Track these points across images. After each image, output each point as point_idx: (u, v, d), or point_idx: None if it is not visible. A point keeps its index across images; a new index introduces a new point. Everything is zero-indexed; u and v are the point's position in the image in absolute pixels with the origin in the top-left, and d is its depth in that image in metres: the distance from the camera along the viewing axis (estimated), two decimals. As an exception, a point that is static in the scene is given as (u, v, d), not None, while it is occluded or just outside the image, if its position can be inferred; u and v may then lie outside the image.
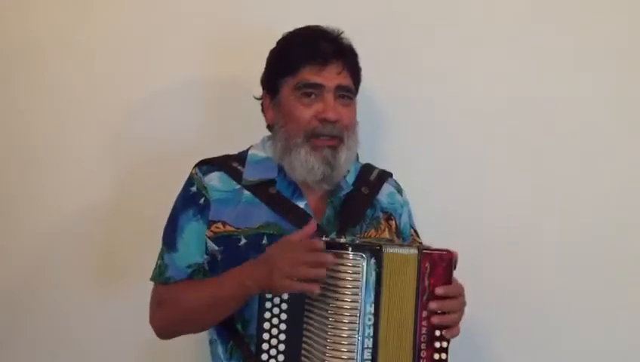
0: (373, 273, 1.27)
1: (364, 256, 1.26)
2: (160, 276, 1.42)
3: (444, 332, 1.30)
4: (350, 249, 1.26)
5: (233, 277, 1.32)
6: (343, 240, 1.31)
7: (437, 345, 1.31)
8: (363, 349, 1.26)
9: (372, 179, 1.52)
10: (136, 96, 1.81)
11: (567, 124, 1.75)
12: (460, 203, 1.77)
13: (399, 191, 1.57)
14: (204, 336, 1.49)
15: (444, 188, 1.78)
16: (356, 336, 1.26)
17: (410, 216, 1.57)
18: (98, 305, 1.80)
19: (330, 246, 1.28)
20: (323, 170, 1.39)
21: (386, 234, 1.48)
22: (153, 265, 1.45)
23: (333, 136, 1.39)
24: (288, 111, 1.39)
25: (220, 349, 1.43)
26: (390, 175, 1.58)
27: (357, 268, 1.26)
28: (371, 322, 1.27)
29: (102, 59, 1.82)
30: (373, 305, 1.27)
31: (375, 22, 1.76)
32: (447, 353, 1.31)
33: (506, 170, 1.77)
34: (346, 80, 1.40)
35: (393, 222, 1.51)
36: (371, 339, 1.26)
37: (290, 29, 1.45)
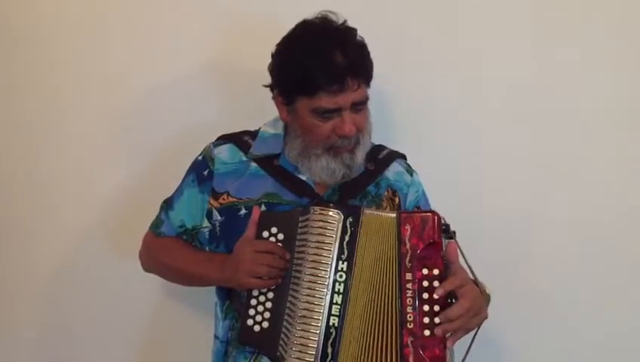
0: (349, 231, 1.30)
1: (340, 213, 1.30)
2: (155, 228, 1.54)
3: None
4: (331, 206, 1.31)
5: (211, 260, 1.44)
6: None
7: (426, 308, 1.26)
8: (331, 304, 1.29)
9: (380, 157, 1.54)
10: (150, 84, 1.85)
11: (575, 121, 1.74)
12: (470, 196, 1.77)
13: (409, 172, 1.57)
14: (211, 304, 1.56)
15: (451, 181, 1.78)
16: (325, 291, 1.29)
17: (418, 198, 1.56)
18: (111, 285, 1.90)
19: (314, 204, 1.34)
20: (343, 173, 1.44)
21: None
22: None
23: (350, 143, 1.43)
24: (306, 126, 1.41)
25: (218, 309, 1.51)
26: (402, 156, 1.59)
27: (333, 224, 1.30)
28: (342, 279, 1.29)
29: (114, 47, 1.86)
30: (345, 263, 1.29)
31: (388, 16, 1.78)
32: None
33: (515, 165, 1.77)
34: (361, 94, 1.39)
35: (397, 199, 1.51)
36: (341, 296, 1.29)
37: (303, 12, 1.44)
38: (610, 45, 1.73)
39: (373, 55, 1.44)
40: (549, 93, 1.75)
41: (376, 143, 1.57)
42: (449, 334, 1.25)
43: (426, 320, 1.26)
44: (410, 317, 1.26)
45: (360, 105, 1.41)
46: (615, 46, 1.73)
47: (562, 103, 1.75)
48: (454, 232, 1.32)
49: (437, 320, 1.25)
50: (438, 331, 1.24)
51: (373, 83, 1.46)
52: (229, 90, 1.85)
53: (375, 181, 1.51)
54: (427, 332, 1.25)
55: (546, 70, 1.75)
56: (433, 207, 1.56)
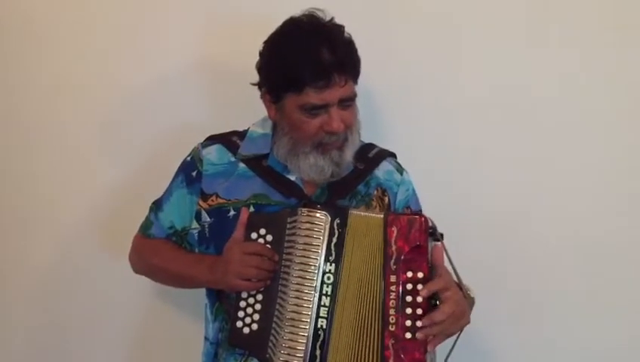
0: (337, 232, 1.30)
1: (328, 215, 1.30)
2: (145, 230, 1.54)
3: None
4: (319, 208, 1.31)
5: (201, 262, 1.43)
6: None
7: (408, 311, 1.26)
8: (319, 306, 1.28)
9: (370, 156, 1.53)
10: (140, 84, 1.85)
11: (568, 120, 1.73)
12: (460, 195, 1.77)
13: (399, 171, 1.56)
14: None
15: (442, 181, 1.77)
16: (312, 293, 1.28)
17: (408, 197, 1.55)
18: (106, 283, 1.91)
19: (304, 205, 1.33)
20: (332, 170, 1.43)
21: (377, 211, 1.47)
22: None
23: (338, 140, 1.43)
24: (294, 123, 1.41)
25: (207, 311, 1.50)
26: (392, 155, 1.58)
27: (320, 225, 1.30)
28: (330, 281, 1.29)
29: (105, 47, 1.86)
30: (333, 265, 1.29)
31: (378, 14, 1.77)
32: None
33: (506, 165, 1.77)
34: (348, 90, 1.39)
35: (387, 198, 1.50)
36: (329, 298, 1.28)
37: (292, 10, 1.43)
38: (604, 43, 1.72)
39: (362, 53, 1.43)
40: (541, 92, 1.74)
41: (366, 142, 1.56)
42: (430, 338, 1.25)
43: (408, 323, 1.26)
44: (392, 319, 1.26)
45: (348, 102, 1.41)
46: (610, 44, 1.72)
47: (555, 102, 1.74)
48: (442, 235, 1.30)
49: (419, 323, 1.25)
50: (419, 335, 1.24)
51: (362, 81, 1.45)
52: (219, 90, 1.84)
53: (365, 180, 1.50)
54: (408, 335, 1.24)
55: (539, 70, 1.74)
56: (423, 206, 1.55)
